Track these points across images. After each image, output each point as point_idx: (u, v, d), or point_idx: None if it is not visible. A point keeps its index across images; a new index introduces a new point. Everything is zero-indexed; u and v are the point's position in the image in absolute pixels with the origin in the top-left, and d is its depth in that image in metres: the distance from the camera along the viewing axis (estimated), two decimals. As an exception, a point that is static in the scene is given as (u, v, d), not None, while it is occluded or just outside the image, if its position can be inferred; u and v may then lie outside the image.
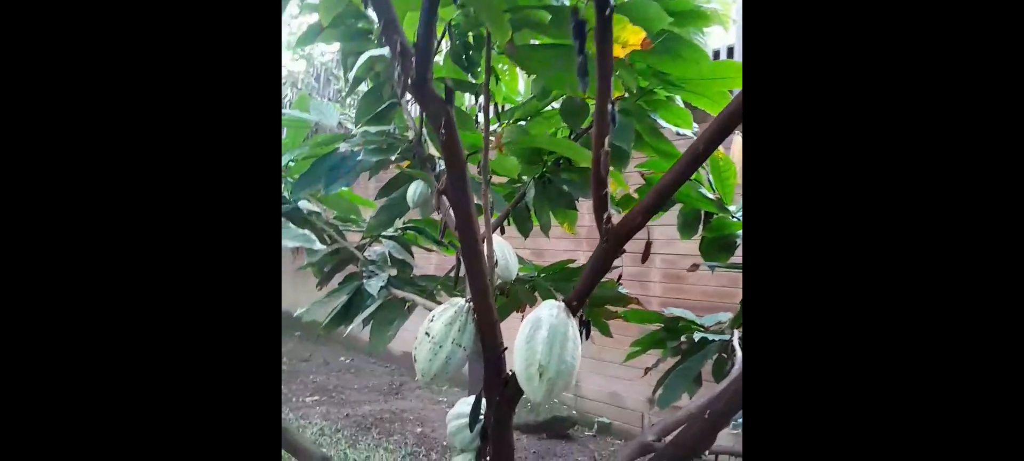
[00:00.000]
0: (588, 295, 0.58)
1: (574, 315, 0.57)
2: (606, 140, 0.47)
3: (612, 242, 0.54)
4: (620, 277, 0.73)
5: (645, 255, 0.70)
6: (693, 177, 1.10)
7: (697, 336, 1.08)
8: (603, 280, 1.10)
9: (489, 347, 0.62)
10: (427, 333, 0.60)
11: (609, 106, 0.45)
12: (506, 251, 0.84)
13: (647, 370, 1.19)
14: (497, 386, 0.63)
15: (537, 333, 0.54)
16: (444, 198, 0.62)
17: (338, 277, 1.19)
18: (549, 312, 0.55)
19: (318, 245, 0.70)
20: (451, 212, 0.61)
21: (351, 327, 1.04)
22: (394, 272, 1.05)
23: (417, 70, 0.49)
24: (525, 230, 1.03)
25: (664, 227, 3.06)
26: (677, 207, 1.30)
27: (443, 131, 0.52)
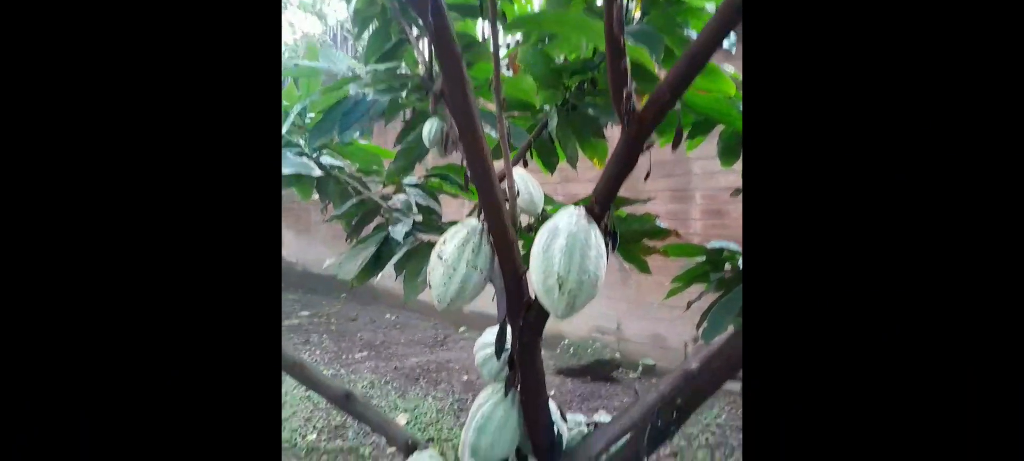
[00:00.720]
0: (612, 197, 0.51)
1: (597, 222, 0.51)
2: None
3: (636, 127, 0.46)
4: (648, 174, 0.65)
5: (677, 141, 0.62)
6: (734, 95, 1.00)
7: (742, 264, 1.01)
8: (640, 213, 1.04)
9: (507, 269, 0.57)
10: (439, 256, 0.57)
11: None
12: (529, 183, 0.79)
13: (690, 304, 1.14)
14: (519, 310, 0.59)
15: (554, 242, 0.49)
16: (443, 105, 0.56)
17: (368, 230, 1.18)
18: (567, 219, 0.50)
19: (317, 171, 0.67)
20: (454, 121, 0.55)
21: (385, 280, 1.03)
22: (420, 218, 1.02)
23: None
24: (550, 164, 0.97)
25: (702, 160, 2.93)
26: (717, 130, 1.20)
27: (431, 19, 0.45)
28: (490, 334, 0.68)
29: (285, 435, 2.06)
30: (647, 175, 0.63)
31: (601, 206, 0.51)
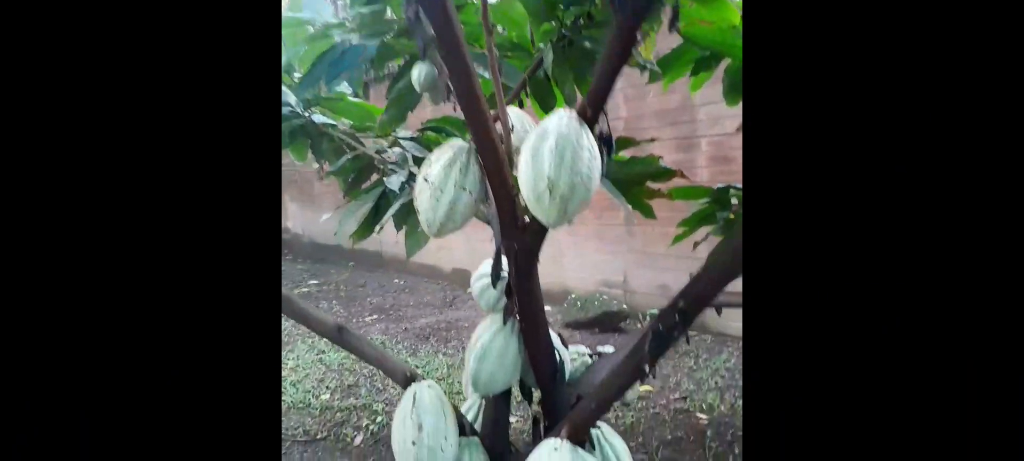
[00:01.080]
0: (605, 98, 0.48)
1: (590, 126, 0.48)
2: None
3: (629, 8, 0.43)
4: (642, 67, 0.61)
5: (673, 23, 0.58)
6: (738, 23, 0.94)
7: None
8: (643, 156, 1.00)
9: (498, 189, 0.55)
10: (425, 179, 0.54)
11: None
12: (524, 121, 0.76)
13: (696, 244, 1.12)
14: (513, 233, 0.57)
15: (543, 144, 0.46)
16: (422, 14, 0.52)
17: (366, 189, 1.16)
18: (556, 121, 0.47)
19: (292, 98, 0.65)
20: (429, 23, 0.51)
21: (392, 247, 1.01)
22: (416, 170, 1.00)
23: None
24: (547, 105, 0.93)
25: (708, 106, 2.84)
26: (723, 65, 1.15)
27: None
28: (487, 265, 0.66)
29: (299, 396, 2.11)
30: (641, 67, 0.58)
31: (593, 109, 0.48)
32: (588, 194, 0.47)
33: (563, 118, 0.47)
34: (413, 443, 0.65)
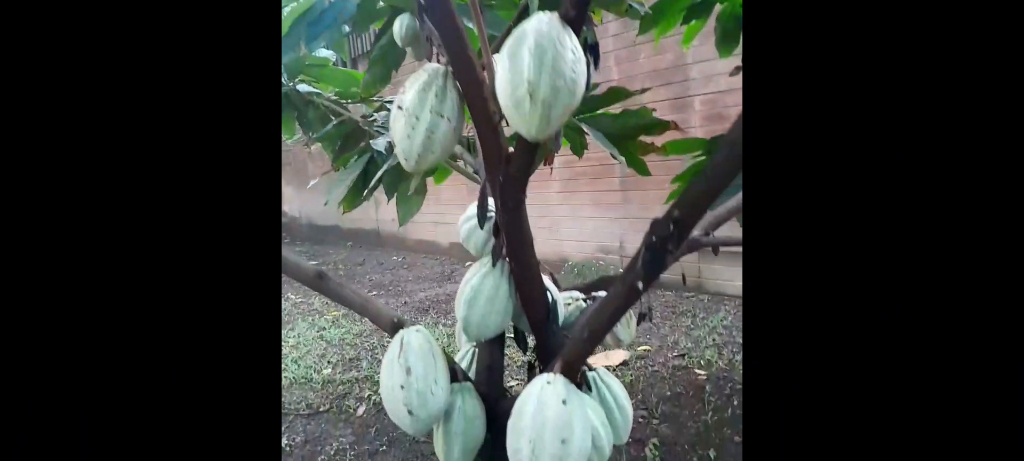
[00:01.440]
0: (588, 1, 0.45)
1: (574, 30, 0.45)
2: None
3: None
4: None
5: None
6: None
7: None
8: (636, 108, 0.98)
9: (479, 116, 0.52)
10: (400, 106, 0.51)
11: None
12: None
13: (690, 198, 1.11)
14: (498, 165, 0.53)
15: (521, 47, 0.43)
16: None
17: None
18: (536, 22, 0.44)
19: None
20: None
21: (388, 225, 1.00)
22: (403, 132, 0.98)
23: None
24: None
25: (700, 64, 2.79)
26: (715, 12, 1.12)
27: None
28: (474, 207, 0.65)
29: (301, 372, 2.13)
30: (633, 12, 0.56)
31: (576, 9, 0.44)
32: (573, 99, 0.44)
33: (543, 19, 0.44)
34: (402, 387, 0.62)
